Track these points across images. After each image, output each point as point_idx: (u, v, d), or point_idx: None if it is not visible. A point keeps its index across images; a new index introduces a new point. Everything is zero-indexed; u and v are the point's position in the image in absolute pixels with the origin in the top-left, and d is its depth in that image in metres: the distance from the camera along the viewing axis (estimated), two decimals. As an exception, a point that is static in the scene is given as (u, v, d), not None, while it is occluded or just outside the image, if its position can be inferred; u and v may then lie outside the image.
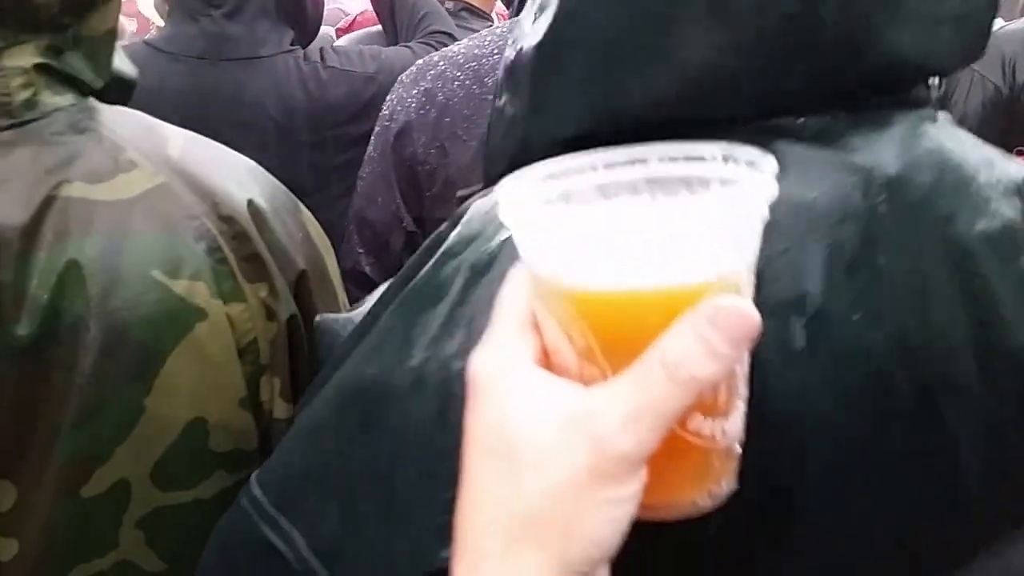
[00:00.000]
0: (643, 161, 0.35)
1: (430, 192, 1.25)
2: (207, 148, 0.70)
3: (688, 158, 0.35)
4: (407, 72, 1.29)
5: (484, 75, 1.22)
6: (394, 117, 1.25)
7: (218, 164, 0.69)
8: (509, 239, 0.43)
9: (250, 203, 0.67)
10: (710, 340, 0.30)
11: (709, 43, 0.44)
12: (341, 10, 2.93)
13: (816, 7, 0.43)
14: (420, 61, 1.30)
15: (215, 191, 0.66)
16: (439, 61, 1.26)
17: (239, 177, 0.69)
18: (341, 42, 2.07)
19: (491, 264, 0.44)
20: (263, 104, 1.49)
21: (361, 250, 1.30)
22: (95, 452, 0.60)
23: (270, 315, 0.66)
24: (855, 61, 0.45)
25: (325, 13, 2.94)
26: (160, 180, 0.63)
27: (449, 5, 1.86)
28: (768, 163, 0.33)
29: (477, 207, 0.49)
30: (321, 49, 1.56)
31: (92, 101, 0.67)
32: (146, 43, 1.47)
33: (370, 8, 2.02)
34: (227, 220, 0.65)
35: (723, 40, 0.43)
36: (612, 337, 0.32)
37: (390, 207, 1.27)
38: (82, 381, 0.58)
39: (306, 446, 0.48)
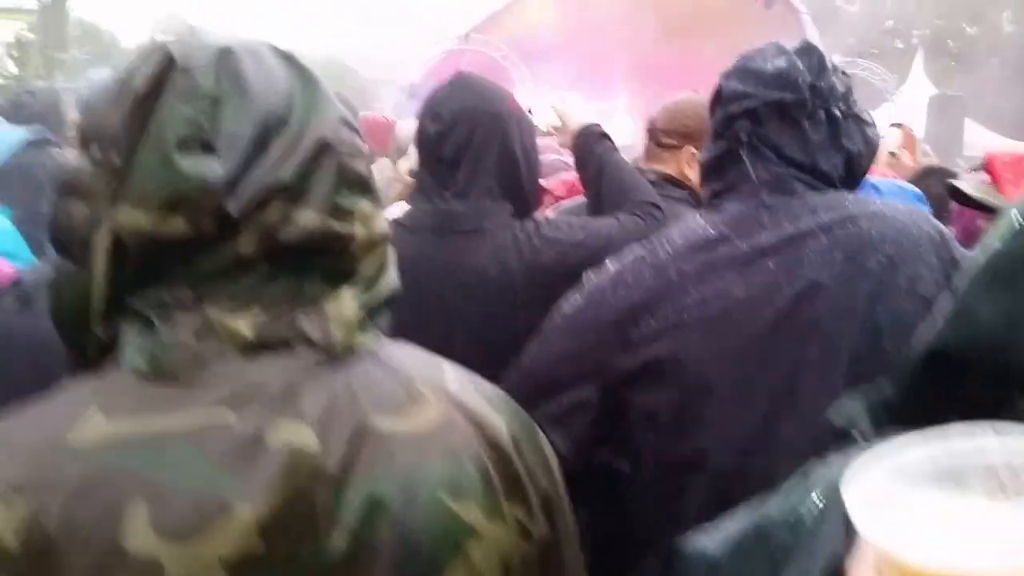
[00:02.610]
0: (982, 451, 0.37)
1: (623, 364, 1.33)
2: (472, 378, 0.82)
3: None
4: (631, 247, 1.43)
5: (709, 272, 1.32)
6: (611, 290, 1.38)
7: (483, 393, 0.80)
8: None
9: (510, 430, 0.77)
10: None
11: None
12: (562, 160, 3.09)
13: None
14: (644, 251, 1.42)
15: (484, 420, 0.76)
16: (657, 249, 1.38)
17: (497, 404, 0.80)
18: (549, 212, 2.23)
19: None
20: (483, 268, 1.66)
21: None
22: None
23: (525, 535, 0.74)
24: None
25: (547, 165, 3.14)
26: (446, 414, 0.75)
27: (652, 177, 1.98)
28: None
29: None
30: (536, 221, 1.73)
31: (380, 334, 0.80)
32: (393, 220, 1.70)
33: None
34: (494, 447, 0.75)
35: None
36: None
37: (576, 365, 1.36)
38: None
39: None
